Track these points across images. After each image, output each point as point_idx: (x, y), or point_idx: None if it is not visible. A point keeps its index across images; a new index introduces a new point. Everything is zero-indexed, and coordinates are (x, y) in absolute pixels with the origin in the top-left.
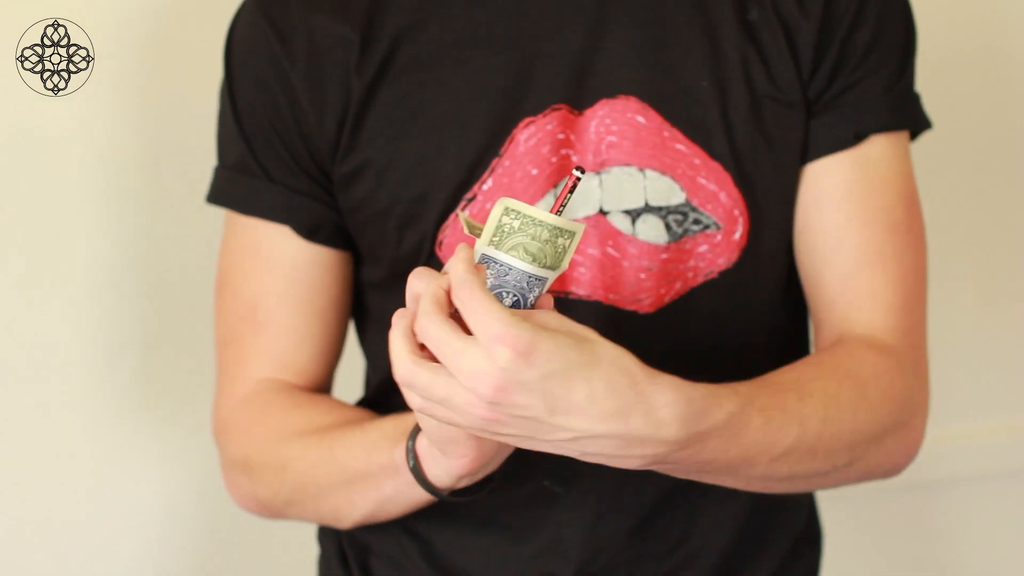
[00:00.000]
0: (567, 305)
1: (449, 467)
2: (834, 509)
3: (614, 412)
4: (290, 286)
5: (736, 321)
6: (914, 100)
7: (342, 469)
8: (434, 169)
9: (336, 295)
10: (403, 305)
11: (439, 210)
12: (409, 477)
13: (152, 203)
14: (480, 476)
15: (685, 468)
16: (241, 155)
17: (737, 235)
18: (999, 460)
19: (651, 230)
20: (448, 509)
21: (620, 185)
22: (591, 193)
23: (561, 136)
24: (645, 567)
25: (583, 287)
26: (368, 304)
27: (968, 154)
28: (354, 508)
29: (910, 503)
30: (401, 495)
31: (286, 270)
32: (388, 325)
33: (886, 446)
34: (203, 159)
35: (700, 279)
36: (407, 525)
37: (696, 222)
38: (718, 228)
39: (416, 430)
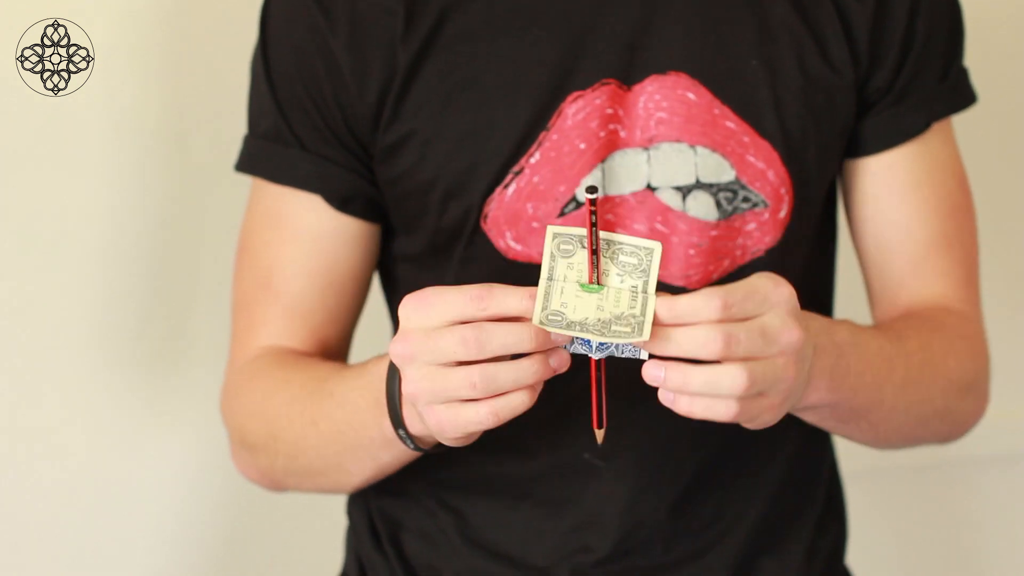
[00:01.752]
0: None
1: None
2: (859, 486)
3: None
4: (310, 257)
5: None
6: (966, 78)
7: (329, 442)
8: (482, 141)
9: (356, 269)
10: (442, 276)
11: (486, 183)
12: (405, 448)
13: (168, 180)
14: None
15: (837, 400)
16: (275, 123)
17: (782, 213)
18: None
19: (701, 207)
20: (484, 484)
21: (670, 161)
22: (638, 168)
23: (610, 111)
24: (681, 543)
25: None
26: (400, 276)
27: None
28: (351, 476)
29: (937, 480)
30: (398, 459)
31: (308, 241)
32: None
33: (967, 403)
34: (228, 134)
35: (748, 257)
36: (441, 498)
37: (745, 200)
38: (766, 206)
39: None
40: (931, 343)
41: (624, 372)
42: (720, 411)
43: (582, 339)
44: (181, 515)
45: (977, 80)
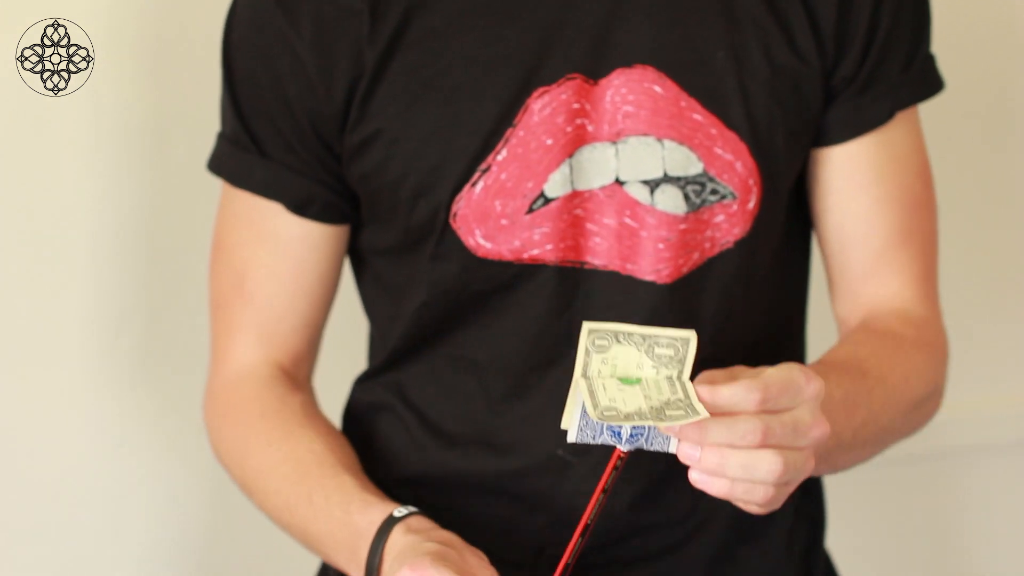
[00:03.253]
0: (583, 275)
1: None
2: (840, 479)
3: None
4: (278, 261)
5: (748, 289)
6: (932, 65)
7: (302, 533)
8: (448, 139)
9: (323, 272)
10: (412, 272)
11: (454, 181)
12: None
13: (154, 178)
14: None
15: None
16: (235, 129)
17: (751, 204)
18: (1008, 431)
19: (670, 200)
20: (459, 481)
21: (637, 155)
22: (607, 163)
23: (576, 106)
24: (658, 535)
25: (599, 257)
26: (374, 269)
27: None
28: (314, 553)
29: (917, 473)
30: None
31: (275, 244)
32: (395, 290)
33: (925, 412)
34: (209, 130)
35: (717, 249)
36: (415, 495)
37: (713, 192)
38: (734, 198)
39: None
40: (892, 369)
41: None
42: (758, 496)
43: (613, 429)
44: (167, 514)
45: (948, 68)
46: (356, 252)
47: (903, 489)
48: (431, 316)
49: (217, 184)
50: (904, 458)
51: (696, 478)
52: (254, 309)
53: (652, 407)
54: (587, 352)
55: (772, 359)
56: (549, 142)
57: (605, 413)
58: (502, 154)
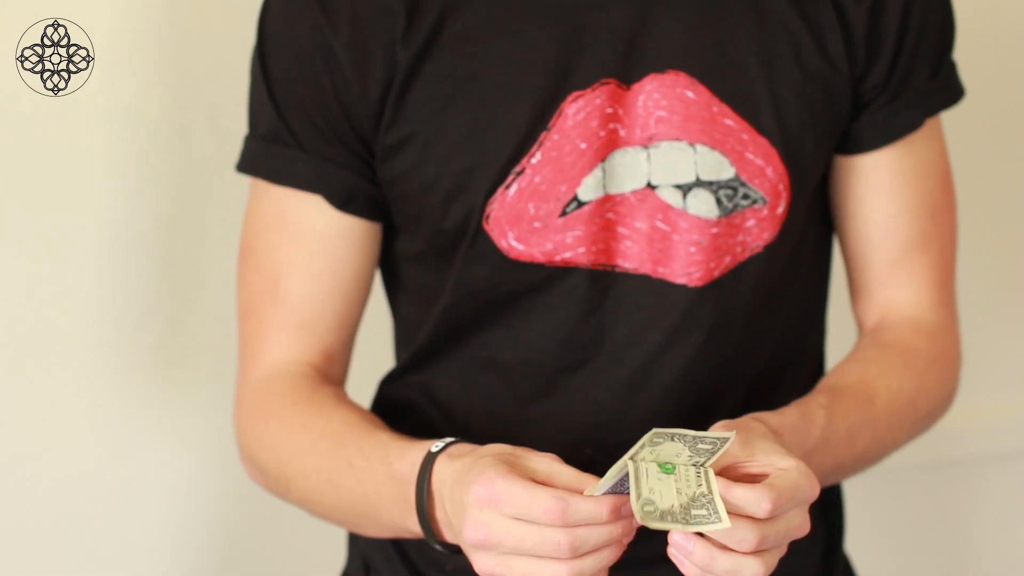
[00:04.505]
0: (614, 278)
1: None
2: (860, 484)
3: None
4: (314, 259)
5: (776, 293)
6: (955, 71)
7: (346, 507)
8: (483, 142)
9: (360, 269)
10: (442, 274)
11: (488, 183)
12: (422, 534)
13: (169, 177)
14: None
15: None
16: (273, 124)
17: (780, 209)
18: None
19: (702, 204)
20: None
21: (670, 159)
22: (639, 167)
23: (609, 110)
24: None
25: (630, 260)
26: (402, 276)
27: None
28: (366, 532)
29: (935, 479)
30: (412, 534)
31: (312, 242)
32: (423, 296)
33: (931, 420)
34: (228, 131)
35: (747, 253)
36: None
37: (745, 197)
38: (765, 203)
39: (423, 498)
40: (899, 390)
41: (629, 370)
42: None
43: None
44: (183, 515)
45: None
46: (385, 257)
47: (921, 494)
48: (459, 317)
49: (236, 183)
50: (923, 464)
51: (676, 560)
52: (289, 310)
53: (682, 504)
54: (643, 445)
55: (794, 360)
56: (583, 146)
57: (645, 510)
58: (536, 157)
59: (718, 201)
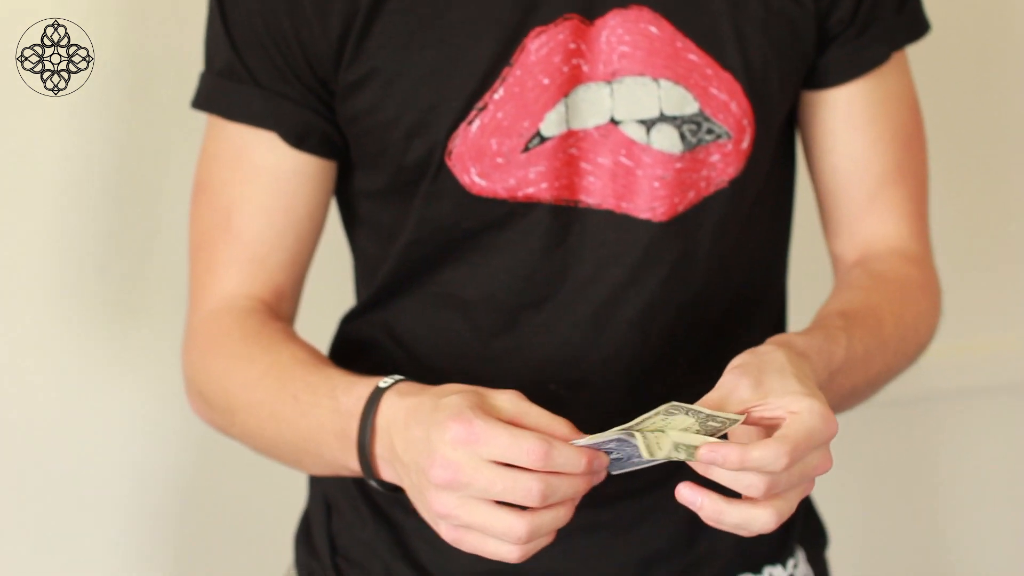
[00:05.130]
0: (577, 214)
1: None
2: None
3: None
4: (268, 196)
5: (740, 228)
6: (920, 6)
7: (288, 442)
8: (445, 78)
9: (313, 207)
10: (403, 211)
11: (450, 119)
12: (359, 471)
13: (128, 119)
14: None
15: None
16: (229, 61)
17: (745, 144)
18: (997, 374)
19: (666, 139)
20: None
21: (633, 95)
22: (602, 102)
23: (572, 46)
24: (647, 469)
25: (593, 196)
26: (362, 213)
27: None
28: (307, 469)
29: (898, 416)
30: (358, 474)
31: (265, 179)
32: (383, 234)
33: (926, 347)
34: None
35: (712, 189)
36: None
37: (709, 132)
38: (729, 138)
39: (364, 436)
40: (903, 316)
41: (593, 305)
42: (753, 531)
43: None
44: (144, 457)
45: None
46: (342, 195)
47: (886, 431)
48: (420, 254)
49: (195, 123)
50: (887, 401)
51: (686, 498)
52: (240, 245)
53: (694, 435)
54: (656, 413)
55: (759, 298)
56: (546, 81)
57: (664, 451)
58: (499, 93)
59: (682, 136)
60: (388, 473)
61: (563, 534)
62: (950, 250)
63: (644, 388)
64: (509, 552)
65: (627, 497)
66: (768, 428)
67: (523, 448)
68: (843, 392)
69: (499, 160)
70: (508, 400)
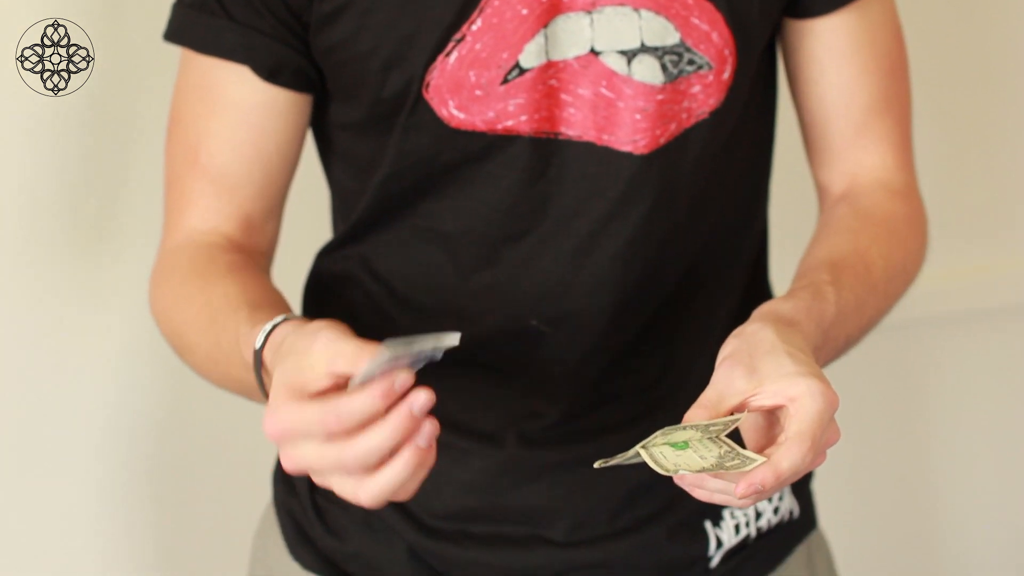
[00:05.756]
0: (557, 146)
1: None
2: None
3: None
4: (237, 130)
5: (722, 160)
6: None
7: (232, 385)
8: (422, 9)
9: (285, 142)
10: (381, 144)
11: (428, 51)
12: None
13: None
14: None
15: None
16: None
17: (726, 75)
18: (980, 299)
19: (647, 70)
20: None
21: (613, 25)
22: (581, 32)
23: None
24: (628, 404)
25: (574, 128)
26: (338, 145)
27: None
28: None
29: (890, 342)
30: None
31: (236, 113)
32: (360, 167)
33: (915, 278)
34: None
35: (693, 120)
36: None
37: (690, 63)
38: (710, 68)
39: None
40: (892, 257)
41: (575, 239)
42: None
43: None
44: (115, 397)
45: None
46: (319, 126)
47: (873, 357)
48: (399, 187)
49: (162, 55)
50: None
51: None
52: (207, 179)
53: (711, 464)
54: (656, 436)
55: (742, 231)
56: (524, 12)
57: (676, 468)
58: (477, 24)
59: (663, 67)
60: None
61: (545, 470)
62: (932, 175)
63: (625, 322)
64: (368, 502)
65: (608, 431)
66: (770, 414)
67: (310, 421)
68: (838, 345)
69: (478, 92)
70: (318, 348)
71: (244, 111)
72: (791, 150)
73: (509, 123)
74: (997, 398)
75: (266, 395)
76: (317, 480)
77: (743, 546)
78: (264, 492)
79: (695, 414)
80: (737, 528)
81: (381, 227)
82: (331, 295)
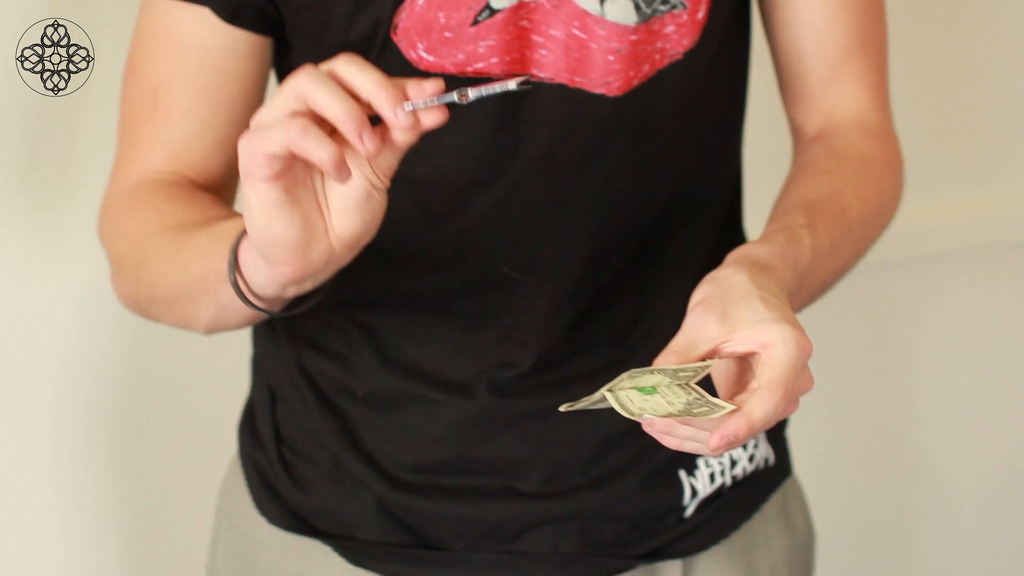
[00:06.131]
0: (528, 89)
1: (271, 276)
2: None
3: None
4: (198, 72)
5: (696, 102)
6: None
7: (183, 270)
8: None
9: (246, 86)
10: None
11: None
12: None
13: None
14: (308, 287)
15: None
16: None
17: (700, 14)
18: (960, 238)
19: (620, 11)
20: (398, 300)
21: None
22: None
23: None
24: (600, 352)
25: (546, 70)
26: None
27: None
28: (198, 313)
29: (871, 282)
30: (235, 304)
31: (197, 55)
32: None
33: (891, 220)
34: None
35: (667, 61)
36: (352, 316)
37: (664, 2)
38: (684, 8)
39: (240, 237)
40: (868, 198)
41: (548, 184)
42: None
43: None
44: (76, 347)
45: None
46: (281, 71)
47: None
48: None
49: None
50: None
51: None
52: (167, 125)
53: (680, 410)
54: (620, 379)
55: (716, 172)
56: None
57: (642, 412)
58: None
59: (636, 7)
60: (246, 257)
61: (517, 421)
62: (912, 113)
63: (598, 268)
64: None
65: (581, 381)
66: (742, 361)
67: (369, 79)
68: (813, 289)
69: (447, 34)
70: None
71: (206, 54)
72: (765, 91)
73: (479, 65)
74: (976, 338)
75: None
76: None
77: (718, 494)
78: (230, 445)
79: (665, 359)
80: (712, 477)
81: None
82: None
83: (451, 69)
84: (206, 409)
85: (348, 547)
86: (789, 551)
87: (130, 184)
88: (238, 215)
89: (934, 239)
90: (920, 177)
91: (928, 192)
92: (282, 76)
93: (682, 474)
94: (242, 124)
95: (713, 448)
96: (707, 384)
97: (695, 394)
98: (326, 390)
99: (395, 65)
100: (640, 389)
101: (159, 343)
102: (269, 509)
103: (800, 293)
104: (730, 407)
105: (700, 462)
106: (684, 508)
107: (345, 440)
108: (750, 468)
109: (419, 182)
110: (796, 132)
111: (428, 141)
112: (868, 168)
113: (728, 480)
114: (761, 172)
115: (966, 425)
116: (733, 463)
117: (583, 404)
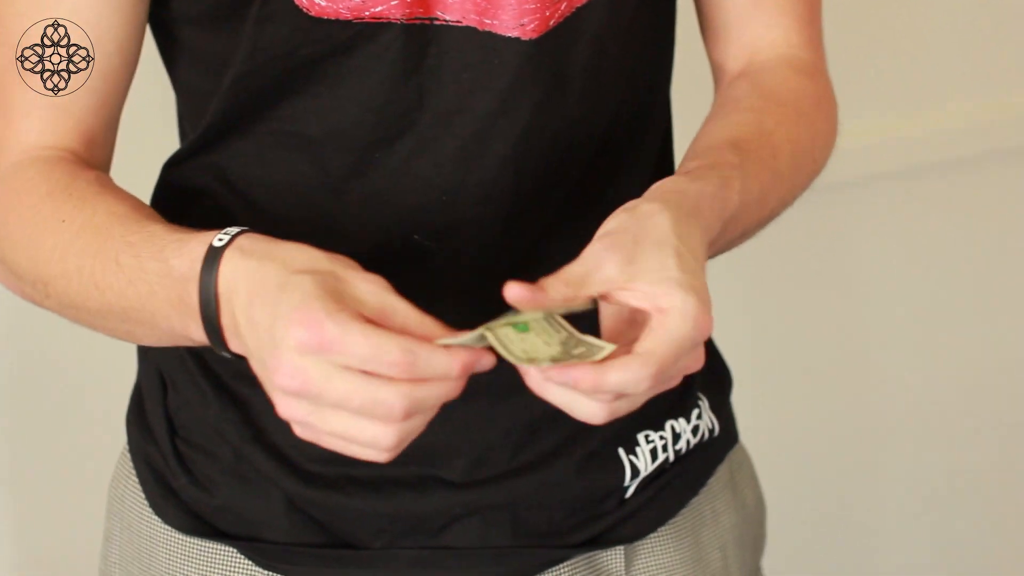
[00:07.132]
0: (434, 33)
1: None
2: None
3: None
4: (67, 26)
5: (617, 41)
6: None
7: (116, 312)
8: None
9: (123, 38)
10: (232, 39)
11: None
12: (205, 341)
13: None
14: None
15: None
16: None
17: None
18: (889, 160)
19: None
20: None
21: None
22: None
23: None
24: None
25: (452, 12)
26: (183, 40)
27: None
28: (138, 340)
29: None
30: (200, 343)
31: (65, 8)
32: (210, 64)
33: (824, 165)
34: None
35: None
36: None
37: None
38: None
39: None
40: (799, 139)
41: (458, 140)
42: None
43: None
44: None
45: None
46: (159, 21)
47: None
48: (255, 87)
49: None
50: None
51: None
52: (39, 86)
53: (560, 352)
54: (503, 316)
55: (642, 119)
56: None
57: (528, 356)
58: None
59: None
60: (236, 346)
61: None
62: (839, 34)
63: (518, 232)
64: (377, 456)
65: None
66: (632, 315)
67: (384, 360)
68: (733, 238)
69: None
70: (372, 292)
71: (75, 5)
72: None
73: (378, 9)
74: (910, 258)
75: (203, 316)
76: (307, 427)
77: (661, 471)
78: (118, 437)
79: (555, 286)
80: (654, 453)
81: (237, 133)
82: (180, 213)
83: (346, 14)
84: (90, 397)
85: (256, 549)
86: (739, 526)
87: (10, 164)
88: (161, 221)
89: (876, 161)
90: (864, 97)
91: (874, 111)
92: (159, 25)
93: (621, 453)
94: (119, 80)
95: (548, 374)
96: (592, 321)
97: (565, 332)
98: (223, 375)
99: (283, 12)
100: (515, 326)
101: (42, 326)
102: (165, 509)
103: (719, 242)
104: (610, 348)
105: (640, 438)
106: (625, 490)
107: (247, 431)
108: (694, 441)
109: (315, 141)
110: (717, 71)
111: (324, 96)
112: (799, 108)
113: (672, 455)
114: (692, 121)
115: (917, 355)
116: (676, 437)
117: (461, 339)
